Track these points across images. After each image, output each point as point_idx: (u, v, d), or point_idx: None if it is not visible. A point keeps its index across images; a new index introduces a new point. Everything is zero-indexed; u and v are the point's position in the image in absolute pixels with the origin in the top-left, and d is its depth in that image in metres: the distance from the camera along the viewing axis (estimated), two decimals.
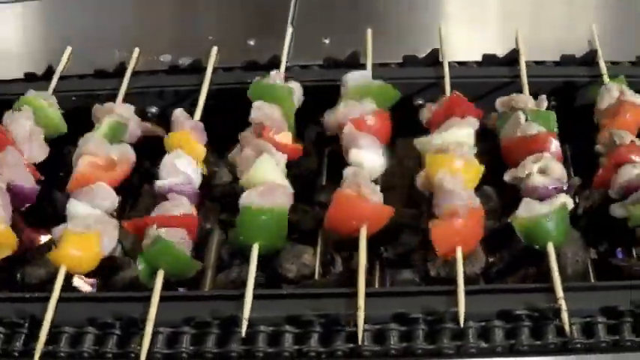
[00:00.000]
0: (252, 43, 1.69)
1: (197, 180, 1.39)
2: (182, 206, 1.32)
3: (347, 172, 1.35)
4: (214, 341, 1.19)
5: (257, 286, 1.24)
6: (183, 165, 1.37)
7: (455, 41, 1.61)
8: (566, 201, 1.28)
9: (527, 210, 1.27)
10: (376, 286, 1.35)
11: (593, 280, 1.31)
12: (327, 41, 1.67)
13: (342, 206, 1.30)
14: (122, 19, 1.82)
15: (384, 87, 1.48)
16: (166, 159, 1.38)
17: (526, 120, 1.38)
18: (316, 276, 1.35)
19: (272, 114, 1.41)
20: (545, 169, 1.32)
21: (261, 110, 1.41)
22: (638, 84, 1.48)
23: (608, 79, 1.47)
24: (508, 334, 1.17)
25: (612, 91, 1.44)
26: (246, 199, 1.30)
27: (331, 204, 1.31)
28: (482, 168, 1.36)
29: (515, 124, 1.38)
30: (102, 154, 1.39)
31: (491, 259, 1.34)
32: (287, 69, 1.56)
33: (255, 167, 1.33)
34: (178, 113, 1.46)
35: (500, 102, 1.44)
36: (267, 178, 1.33)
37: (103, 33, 1.78)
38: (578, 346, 1.15)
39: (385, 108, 1.46)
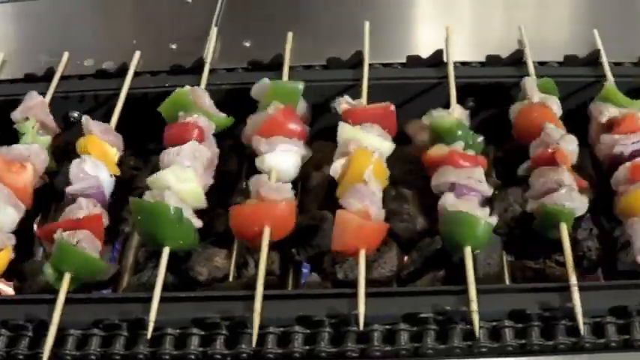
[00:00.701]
0: (174, 47, 1.67)
1: (107, 183, 1.38)
2: (87, 209, 1.31)
3: (252, 179, 1.34)
4: (122, 343, 1.18)
5: (170, 289, 1.26)
6: (91, 169, 1.36)
7: (380, 43, 1.59)
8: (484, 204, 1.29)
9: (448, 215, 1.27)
10: (289, 288, 1.34)
11: (507, 283, 1.31)
12: (247, 44, 1.64)
13: (244, 214, 1.30)
14: (51, 26, 1.81)
15: (284, 87, 1.47)
16: (73, 164, 1.38)
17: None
18: (230, 278, 1.34)
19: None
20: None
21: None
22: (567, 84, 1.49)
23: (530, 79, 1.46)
24: (413, 338, 1.16)
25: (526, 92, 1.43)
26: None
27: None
28: (387, 171, 1.36)
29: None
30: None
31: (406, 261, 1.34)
32: (211, 72, 1.55)
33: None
34: (84, 119, 1.45)
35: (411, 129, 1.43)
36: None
37: (32, 39, 1.77)
38: (484, 349, 1.14)
39: (293, 105, 1.45)
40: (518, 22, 1.61)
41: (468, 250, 1.24)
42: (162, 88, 1.51)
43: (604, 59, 1.51)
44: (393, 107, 1.43)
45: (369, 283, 1.23)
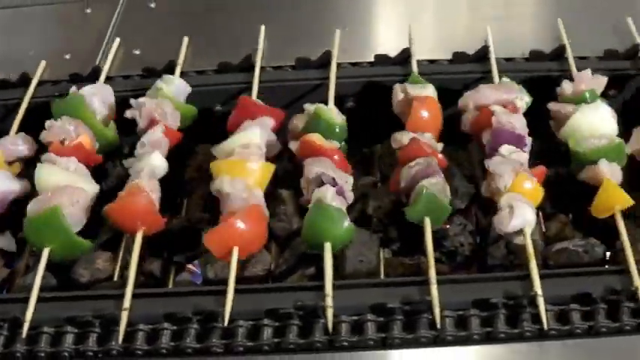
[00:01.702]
0: (67, 57, 1.68)
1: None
2: None
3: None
4: (2, 342, 1.20)
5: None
6: None
7: (276, 46, 1.62)
8: (338, 197, 1.29)
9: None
10: (170, 286, 1.36)
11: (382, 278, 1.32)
12: (137, 52, 1.66)
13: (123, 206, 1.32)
14: None
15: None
16: None
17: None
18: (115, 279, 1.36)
19: (64, 125, 1.42)
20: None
21: (52, 127, 1.42)
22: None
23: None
24: (276, 332, 1.18)
25: (398, 95, 1.43)
26: (28, 208, 1.32)
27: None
28: (272, 168, 1.37)
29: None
30: None
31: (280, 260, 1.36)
32: (109, 79, 1.57)
33: (36, 177, 1.36)
34: None
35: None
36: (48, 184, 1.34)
37: None
38: (345, 344, 1.16)
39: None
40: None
41: (328, 247, 1.25)
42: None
43: (569, 53, 1.52)
44: (281, 112, 1.45)
45: (244, 281, 1.26)
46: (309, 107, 1.42)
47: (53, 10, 1.85)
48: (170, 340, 1.19)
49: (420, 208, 1.28)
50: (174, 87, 1.49)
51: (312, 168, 1.33)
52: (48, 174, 1.35)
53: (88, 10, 1.80)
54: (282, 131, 1.45)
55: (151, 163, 1.37)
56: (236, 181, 1.30)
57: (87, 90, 1.48)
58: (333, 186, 1.30)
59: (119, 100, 1.51)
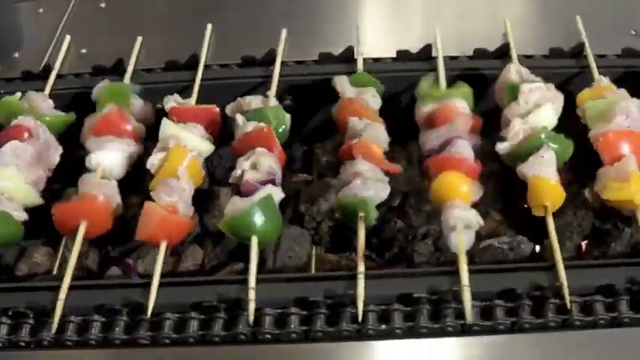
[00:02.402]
0: (16, 55, 1.71)
1: None
2: None
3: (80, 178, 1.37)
4: None
5: None
6: None
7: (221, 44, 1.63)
8: (272, 192, 1.29)
9: (232, 208, 1.28)
10: None
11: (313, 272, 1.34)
12: (84, 51, 1.67)
13: (62, 209, 1.34)
14: None
15: (117, 88, 1.50)
16: None
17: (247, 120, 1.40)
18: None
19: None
20: (256, 164, 1.33)
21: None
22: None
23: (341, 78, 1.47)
24: (202, 325, 1.20)
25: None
26: None
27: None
28: (202, 171, 1.39)
29: (238, 127, 1.40)
30: None
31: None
32: (60, 77, 1.58)
33: None
34: None
35: (229, 109, 1.44)
36: None
37: None
38: (268, 336, 1.18)
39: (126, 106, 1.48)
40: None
41: (254, 240, 1.26)
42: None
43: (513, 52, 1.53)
44: (217, 109, 1.46)
45: (175, 275, 1.30)
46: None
47: (7, 9, 1.86)
48: (99, 332, 1.21)
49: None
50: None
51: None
52: None
53: (41, 10, 1.82)
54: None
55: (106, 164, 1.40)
56: (184, 173, 1.33)
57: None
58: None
59: (71, 96, 1.54)
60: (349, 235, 1.36)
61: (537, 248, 1.33)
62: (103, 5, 1.81)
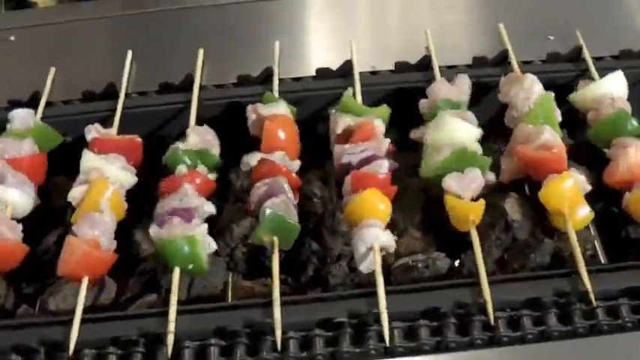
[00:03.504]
0: None
1: None
2: None
3: None
4: None
5: None
6: None
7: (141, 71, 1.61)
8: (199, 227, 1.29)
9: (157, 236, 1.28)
10: None
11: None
12: None
13: None
14: None
15: (46, 129, 1.48)
16: None
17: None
18: None
19: None
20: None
21: None
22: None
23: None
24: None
25: (250, 115, 1.42)
26: None
27: None
28: (124, 204, 1.37)
29: None
30: None
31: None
32: None
33: None
34: None
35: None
36: None
37: None
38: None
39: (46, 149, 1.45)
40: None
41: (176, 271, 1.25)
42: None
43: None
44: (139, 139, 1.45)
45: (90, 310, 1.26)
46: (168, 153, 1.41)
47: None
48: None
49: (266, 228, 1.27)
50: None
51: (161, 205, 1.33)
52: None
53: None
54: None
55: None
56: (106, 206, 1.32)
57: None
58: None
59: None
60: (264, 261, 1.35)
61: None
62: (12, 38, 1.78)
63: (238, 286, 1.34)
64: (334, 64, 1.57)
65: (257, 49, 1.63)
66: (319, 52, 1.70)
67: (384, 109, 1.43)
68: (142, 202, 1.41)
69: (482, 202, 1.29)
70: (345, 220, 1.31)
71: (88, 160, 1.39)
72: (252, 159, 1.35)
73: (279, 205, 1.29)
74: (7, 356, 1.19)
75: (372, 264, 1.23)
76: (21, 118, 1.47)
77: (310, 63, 1.62)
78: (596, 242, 1.36)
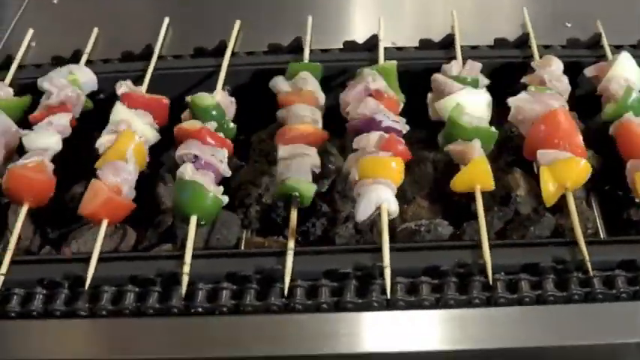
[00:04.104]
0: None
1: None
2: None
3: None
4: None
5: None
6: None
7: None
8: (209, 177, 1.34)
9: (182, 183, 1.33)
10: None
11: None
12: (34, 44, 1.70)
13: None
14: None
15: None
16: None
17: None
18: None
19: None
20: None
21: None
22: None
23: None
24: (139, 298, 1.24)
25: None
26: None
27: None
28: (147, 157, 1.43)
29: None
30: None
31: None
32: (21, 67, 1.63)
33: None
34: None
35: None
36: None
37: None
38: (200, 309, 1.22)
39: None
40: None
41: (193, 219, 1.30)
42: None
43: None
44: (166, 100, 1.50)
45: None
46: (188, 98, 1.47)
47: None
48: (41, 304, 1.24)
49: (290, 183, 1.32)
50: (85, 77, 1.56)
51: (179, 151, 1.38)
52: None
53: None
54: None
55: (51, 144, 1.43)
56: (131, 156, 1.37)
57: None
58: (192, 162, 1.35)
59: (30, 85, 1.56)
60: (276, 220, 1.41)
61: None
62: (55, 1, 1.85)
63: (250, 242, 1.39)
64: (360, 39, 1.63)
65: (290, 21, 1.69)
66: (347, 26, 1.74)
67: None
68: (161, 161, 1.48)
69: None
70: (357, 172, 1.33)
71: (119, 111, 1.45)
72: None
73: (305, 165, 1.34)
74: (32, 289, 1.25)
75: (369, 216, 1.28)
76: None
77: (337, 38, 1.66)
78: (598, 222, 1.40)
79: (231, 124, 1.45)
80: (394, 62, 1.49)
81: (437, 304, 1.21)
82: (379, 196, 1.28)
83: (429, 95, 1.47)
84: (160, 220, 1.42)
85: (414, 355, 1.17)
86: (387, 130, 1.36)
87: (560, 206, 1.35)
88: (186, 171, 1.33)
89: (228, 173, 1.37)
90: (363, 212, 1.28)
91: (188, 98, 1.46)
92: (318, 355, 1.18)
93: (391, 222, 1.29)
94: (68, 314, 1.23)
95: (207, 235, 1.37)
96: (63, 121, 1.47)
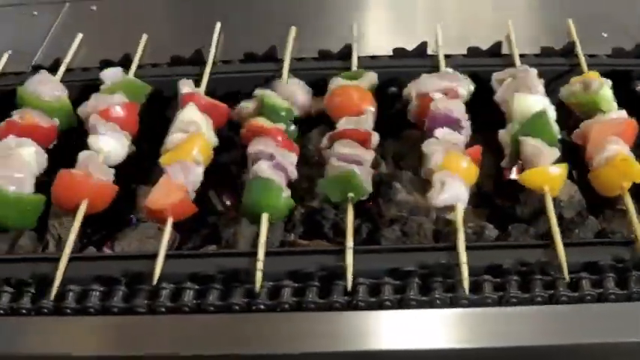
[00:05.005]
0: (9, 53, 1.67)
1: None
2: None
3: (80, 155, 1.38)
4: None
5: None
6: None
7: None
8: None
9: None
10: None
11: None
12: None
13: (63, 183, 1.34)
14: None
15: (134, 82, 1.53)
16: None
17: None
18: None
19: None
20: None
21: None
22: None
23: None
24: (199, 294, 1.22)
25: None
26: None
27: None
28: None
29: None
30: None
31: None
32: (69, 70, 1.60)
33: None
34: None
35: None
36: None
37: None
38: (236, 307, 1.20)
39: (138, 101, 1.50)
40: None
41: (265, 217, 1.28)
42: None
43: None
44: (226, 107, 1.49)
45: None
46: (258, 92, 1.46)
47: (2, 12, 1.89)
48: (99, 300, 1.22)
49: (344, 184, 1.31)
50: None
51: (253, 147, 1.36)
52: None
53: (35, 13, 1.84)
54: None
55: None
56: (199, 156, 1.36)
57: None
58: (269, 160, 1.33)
59: (80, 88, 1.56)
60: (320, 222, 1.39)
61: None
62: (94, 8, 1.83)
63: (295, 244, 1.36)
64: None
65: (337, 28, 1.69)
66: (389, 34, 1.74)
67: None
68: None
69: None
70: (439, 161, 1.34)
71: (189, 112, 1.43)
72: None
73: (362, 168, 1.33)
74: (89, 285, 1.23)
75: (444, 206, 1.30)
76: (111, 75, 1.52)
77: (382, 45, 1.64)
78: None
79: (293, 127, 1.45)
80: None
81: (499, 302, 1.20)
82: (460, 192, 1.29)
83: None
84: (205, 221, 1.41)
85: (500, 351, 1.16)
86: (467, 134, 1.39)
87: (602, 210, 1.37)
88: (263, 168, 1.32)
89: (295, 176, 1.36)
90: (442, 199, 1.29)
91: (259, 93, 1.45)
92: (381, 351, 1.16)
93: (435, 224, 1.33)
94: (127, 311, 1.21)
95: (252, 238, 1.34)
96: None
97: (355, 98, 1.45)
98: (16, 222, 1.36)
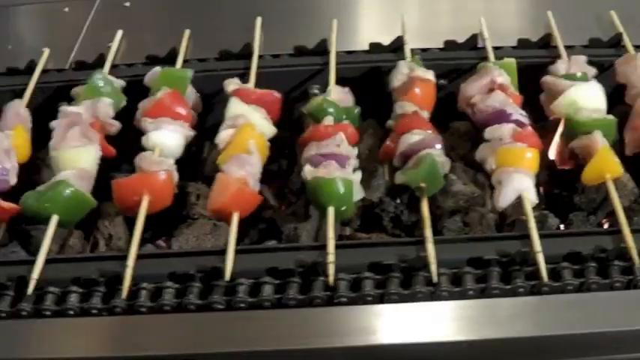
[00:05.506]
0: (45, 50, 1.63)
1: None
2: None
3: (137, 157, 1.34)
4: None
5: None
6: None
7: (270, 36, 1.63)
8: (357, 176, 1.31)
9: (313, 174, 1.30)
10: None
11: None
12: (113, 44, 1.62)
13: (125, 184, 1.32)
14: None
15: (173, 74, 1.49)
16: None
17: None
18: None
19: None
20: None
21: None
22: None
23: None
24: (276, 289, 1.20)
25: (402, 69, 1.45)
26: None
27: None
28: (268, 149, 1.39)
29: None
30: None
31: None
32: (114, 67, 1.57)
33: None
34: None
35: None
36: None
37: None
38: (293, 302, 1.18)
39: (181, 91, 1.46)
40: None
41: (330, 210, 1.25)
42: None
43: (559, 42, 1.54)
44: (277, 94, 1.45)
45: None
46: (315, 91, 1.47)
47: (34, 9, 1.86)
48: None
49: (422, 173, 1.29)
50: None
51: (305, 153, 1.35)
52: None
53: (66, 9, 1.80)
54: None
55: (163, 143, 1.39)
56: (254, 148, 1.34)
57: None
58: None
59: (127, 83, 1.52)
60: (379, 215, 1.37)
61: None
62: (127, 4, 1.80)
63: (353, 237, 1.34)
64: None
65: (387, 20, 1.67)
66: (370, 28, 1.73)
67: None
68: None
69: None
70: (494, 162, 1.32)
71: (234, 106, 1.40)
72: (407, 107, 1.39)
73: (439, 156, 1.31)
74: (162, 283, 1.20)
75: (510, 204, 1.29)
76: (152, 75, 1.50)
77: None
78: None
79: (355, 110, 1.44)
80: (513, 60, 1.47)
81: (579, 289, 1.18)
82: (521, 184, 1.27)
83: (542, 96, 1.45)
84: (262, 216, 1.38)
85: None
86: (517, 122, 1.35)
87: None
88: (305, 172, 1.30)
89: (350, 152, 1.35)
90: (504, 199, 1.27)
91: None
92: (468, 340, 1.14)
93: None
94: (204, 308, 1.18)
95: (314, 233, 1.33)
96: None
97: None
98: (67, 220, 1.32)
